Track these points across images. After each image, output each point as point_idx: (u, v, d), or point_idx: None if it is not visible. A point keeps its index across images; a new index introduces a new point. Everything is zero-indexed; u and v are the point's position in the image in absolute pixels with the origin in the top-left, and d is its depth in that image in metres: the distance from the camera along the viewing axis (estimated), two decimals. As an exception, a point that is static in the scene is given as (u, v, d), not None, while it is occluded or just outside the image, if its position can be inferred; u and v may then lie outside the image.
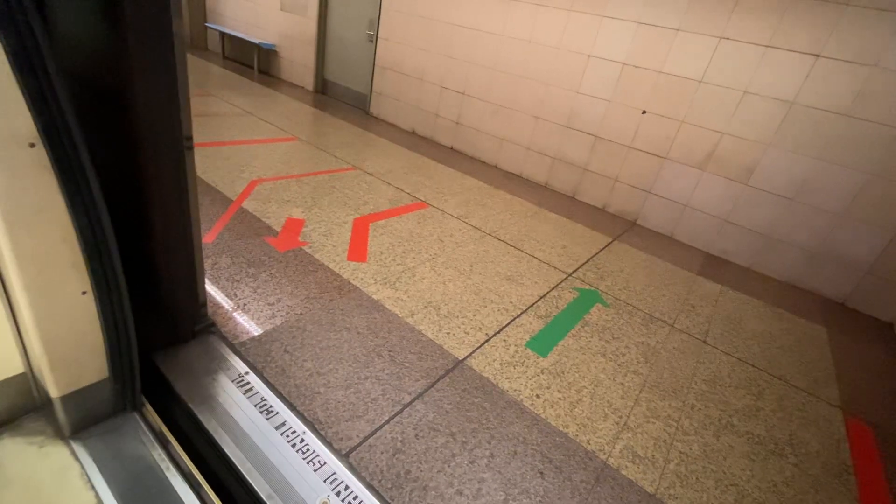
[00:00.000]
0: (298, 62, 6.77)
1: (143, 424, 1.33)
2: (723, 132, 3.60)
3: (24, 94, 0.90)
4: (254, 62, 7.25)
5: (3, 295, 1.10)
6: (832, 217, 3.33)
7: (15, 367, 1.22)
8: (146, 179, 1.32)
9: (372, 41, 5.74)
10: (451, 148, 5.39)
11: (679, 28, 3.59)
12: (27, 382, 1.25)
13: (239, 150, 3.90)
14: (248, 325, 1.95)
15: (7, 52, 0.86)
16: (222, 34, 7.65)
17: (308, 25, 6.36)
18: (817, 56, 3.12)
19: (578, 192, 4.54)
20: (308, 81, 6.74)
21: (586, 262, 3.25)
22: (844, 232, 3.31)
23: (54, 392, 1.18)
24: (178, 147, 1.34)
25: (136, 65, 1.16)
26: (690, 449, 1.83)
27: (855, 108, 3.08)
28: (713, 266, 3.67)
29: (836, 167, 3.23)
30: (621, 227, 4.06)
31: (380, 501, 1.32)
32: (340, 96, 6.55)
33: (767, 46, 3.28)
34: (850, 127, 3.12)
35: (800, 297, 3.43)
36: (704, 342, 2.59)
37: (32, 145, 0.94)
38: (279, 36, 6.89)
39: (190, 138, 1.36)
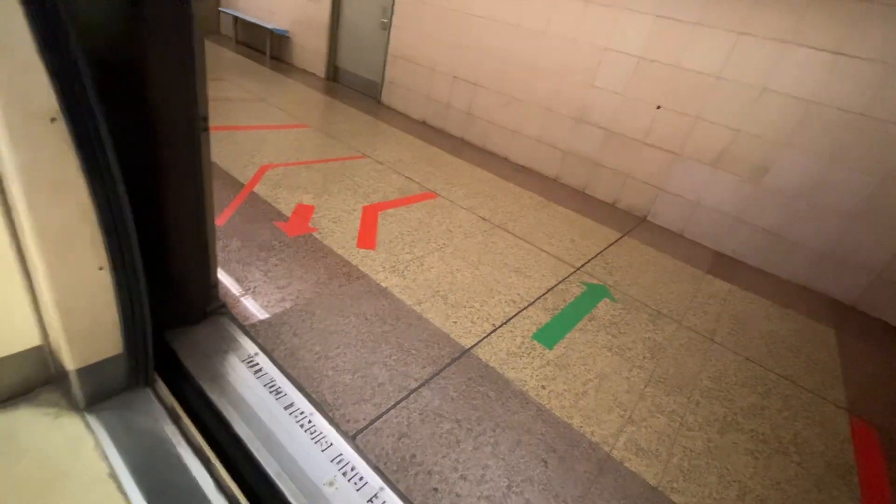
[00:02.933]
0: (311, 49, 6.75)
1: (155, 400, 1.35)
2: (738, 129, 3.55)
3: (47, 70, 0.91)
4: (266, 48, 7.24)
5: (23, 268, 1.12)
6: (845, 219, 3.28)
7: (32, 339, 1.24)
8: (162, 158, 1.33)
9: (385, 29, 5.70)
10: (462, 139, 5.37)
11: (697, 22, 3.53)
12: (43, 355, 1.28)
13: (250, 136, 3.91)
14: (258, 308, 1.97)
15: (32, 30, 0.87)
16: (235, 19, 7.64)
17: (321, 12, 6.34)
18: (839, 54, 3.06)
19: (589, 186, 4.51)
20: (320, 68, 6.73)
21: (595, 256, 3.24)
22: (857, 234, 3.27)
23: (70, 365, 1.20)
24: (195, 127, 1.35)
25: (154, 45, 1.17)
26: (694, 444, 1.84)
27: (874, 108, 3.02)
28: (723, 265, 3.64)
29: (852, 168, 3.18)
30: (631, 223, 4.04)
31: (385, 483, 1.34)
32: (352, 84, 6.53)
33: (788, 43, 3.22)
34: (868, 127, 3.07)
35: (809, 299, 3.40)
36: (712, 340, 2.58)
37: (53, 120, 0.95)
38: (292, 22, 6.87)
39: (206, 118, 1.37)
